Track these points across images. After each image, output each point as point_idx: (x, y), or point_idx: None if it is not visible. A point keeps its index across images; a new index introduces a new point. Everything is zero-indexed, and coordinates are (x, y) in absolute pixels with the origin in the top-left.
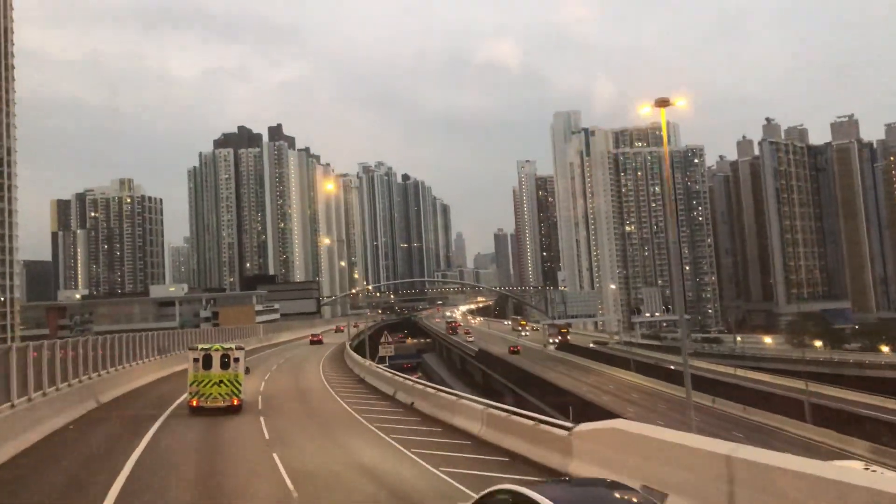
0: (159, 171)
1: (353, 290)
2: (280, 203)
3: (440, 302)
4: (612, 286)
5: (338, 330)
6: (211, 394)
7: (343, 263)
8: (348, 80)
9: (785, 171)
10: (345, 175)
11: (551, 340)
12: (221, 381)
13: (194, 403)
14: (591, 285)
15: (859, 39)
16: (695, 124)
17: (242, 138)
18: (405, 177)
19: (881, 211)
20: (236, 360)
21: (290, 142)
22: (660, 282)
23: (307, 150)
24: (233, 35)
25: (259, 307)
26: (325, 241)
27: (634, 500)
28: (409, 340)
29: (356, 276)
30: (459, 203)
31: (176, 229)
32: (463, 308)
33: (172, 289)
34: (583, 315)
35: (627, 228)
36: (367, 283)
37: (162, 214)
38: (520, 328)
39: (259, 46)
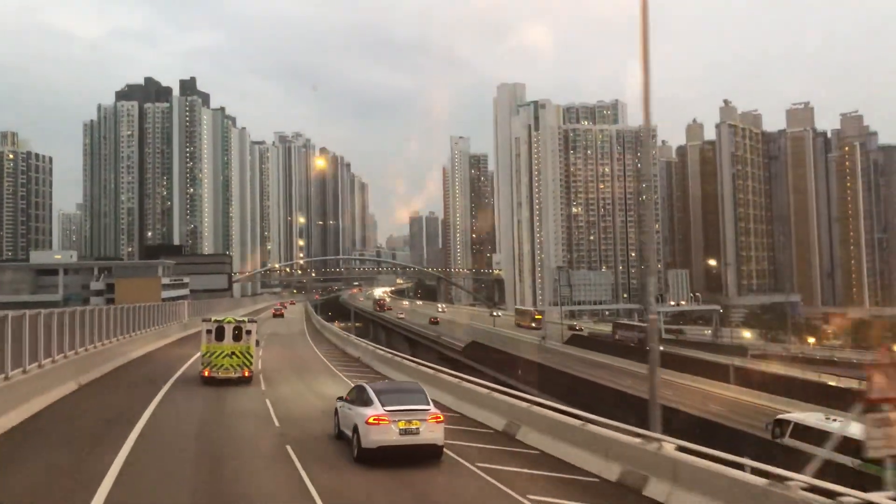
0: (51, 132)
1: (275, 266)
2: (190, 166)
3: (357, 283)
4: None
5: (276, 312)
6: (223, 364)
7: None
8: (264, 51)
9: (742, 156)
10: (261, 142)
11: (520, 325)
12: (233, 353)
13: (206, 374)
14: (531, 270)
15: (817, 28)
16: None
17: (149, 91)
18: (323, 150)
19: (832, 203)
20: (248, 332)
21: (205, 98)
22: (604, 268)
23: (223, 109)
24: None
25: (166, 280)
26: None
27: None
28: (336, 323)
29: (269, 249)
30: (372, 185)
31: (69, 196)
32: (380, 290)
33: (59, 256)
34: (590, 302)
35: (574, 210)
36: (280, 261)
37: (51, 175)
38: (534, 324)
39: (168, 9)
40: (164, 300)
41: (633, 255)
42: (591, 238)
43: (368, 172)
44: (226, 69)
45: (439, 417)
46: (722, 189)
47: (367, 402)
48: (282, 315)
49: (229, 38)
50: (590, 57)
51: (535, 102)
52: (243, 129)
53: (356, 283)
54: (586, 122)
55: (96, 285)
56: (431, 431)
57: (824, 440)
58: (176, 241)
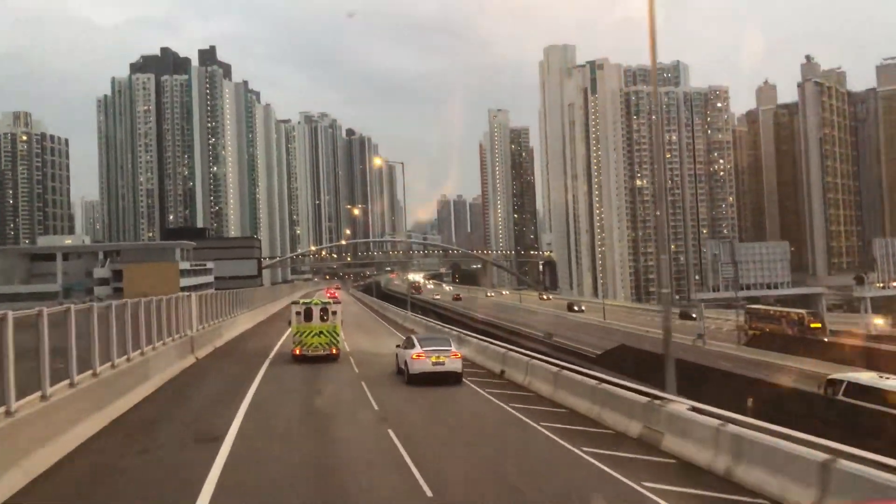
0: (69, 117)
1: (312, 249)
2: (212, 143)
3: (389, 268)
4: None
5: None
6: (312, 343)
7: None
8: (285, 36)
9: (829, 118)
10: (286, 121)
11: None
12: (321, 332)
13: (297, 352)
14: (589, 250)
15: None
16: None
17: (166, 62)
18: (350, 132)
19: None
20: (334, 313)
21: (226, 70)
22: (673, 247)
23: (245, 83)
24: None
25: (185, 265)
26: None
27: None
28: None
29: (298, 233)
30: (399, 169)
31: (89, 182)
32: (418, 276)
33: (69, 240)
34: (759, 285)
35: (639, 183)
36: (309, 245)
37: (68, 158)
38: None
39: None
40: (182, 289)
41: (705, 231)
42: (658, 214)
43: (395, 157)
44: (248, 54)
45: (458, 355)
46: (807, 157)
47: (412, 346)
48: (338, 300)
49: (250, 24)
50: (629, 20)
51: (592, 63)
52: (268, 105)
53: (388, 269)
54: (644, 86)
55: (101, 272)
56: (453, 363)
57: (878, 397)
58: (200, 225)
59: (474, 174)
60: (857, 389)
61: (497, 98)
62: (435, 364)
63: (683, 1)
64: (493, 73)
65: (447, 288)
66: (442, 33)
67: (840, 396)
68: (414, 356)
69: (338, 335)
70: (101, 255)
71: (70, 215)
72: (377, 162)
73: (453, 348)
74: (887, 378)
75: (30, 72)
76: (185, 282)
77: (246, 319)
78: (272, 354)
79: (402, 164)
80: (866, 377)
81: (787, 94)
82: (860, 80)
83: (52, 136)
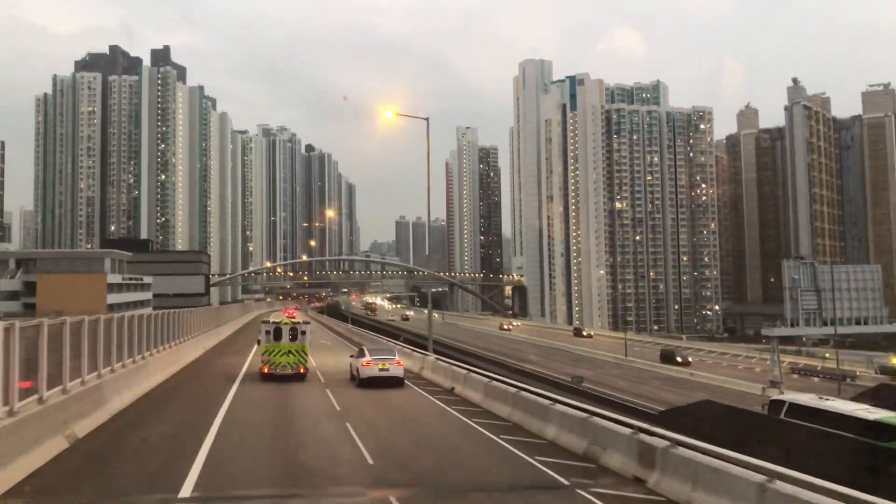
0: (8, 120)
1: (268, 265)
2: (161, 149)
3: (346, 290)
4: (601, 272)
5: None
6: (280, 362)
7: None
8: (245, 52)
9: (816, 144)
10: (244, 132)
11: None
12: (290, 352)
13: (265, 371)
14: (564, 275)
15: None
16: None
17: (114, 61)
18: (309, 147)
19: None
20: (303, 332)
21: (181, 72)
22: (652, 274)
23: (201, 88)
24: None
25: (116, 278)
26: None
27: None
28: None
29: (251, 250)
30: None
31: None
32: (374, 298)
33: None
34: (850, 319)
35: (618, 205)
36: (262, 264)
37: (3, 162)
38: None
39: (145, 9)
40: (111, 308)
41: (685, 259)
42: (637, 238)
43: (355, 177)
44: (206, 69)
45: (401, 363)
46: (794, 183)
47: (362, 355)
48: (307, 321)
49: (209, 39)
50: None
51: (573, 77)
52: (224, 113)
53: (345, 290)
54: (624, 105)
55: (9, 284)
56: (396, 370)
57: (818, 418)
58: (144, 237)
59: (437, 196)
60: (797, 410)
61: (462, 121)
62: (381, 370)
63: (661, 28)
64: (456, 98)
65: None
66: (404, 56)
67: (783, 416)
68: (364, 363)
69: (306, 355)
70: (11, 264)
71: (3, 224)
72: (388, 116)
73: (397, 357)
74: (826, 399)
75: None
76: (114, 298)
77: (165, 363)
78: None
79: (354, 185)
80: (807, 398)
81: (768, 119)
82: (843, 107)
83: None
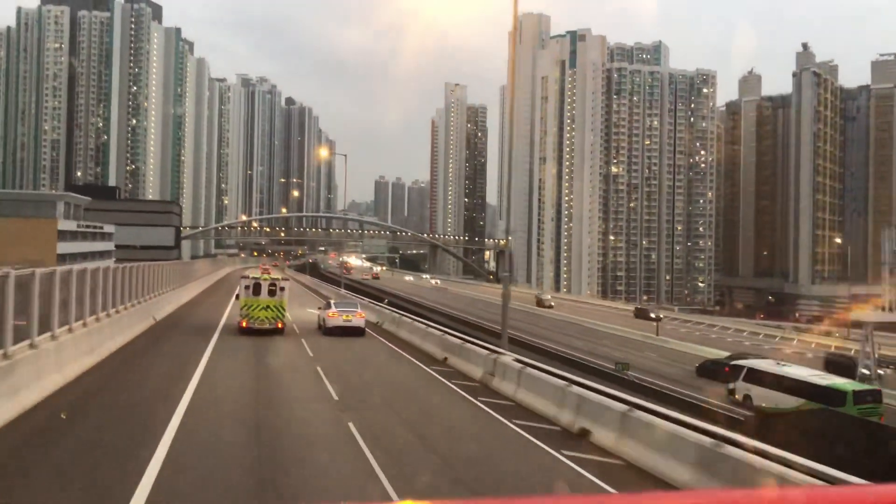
0: None
1: (244, 219)
2: (133, 91)
3: (323, 248)
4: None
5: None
6: (259, 317)
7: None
8: (227, 3)
9: (822, 114)
10: (222, 80)
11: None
12: (268, 307)
13: (244, 325)
14: (553, 241)
15: None
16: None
17: None
18: (290, 101)
19: None
20: (282, 288)
21: (156, 11)
22: (644, 242)
23: (178, 30)
24: None
25: (70, 225)
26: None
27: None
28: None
29: (226, 203)
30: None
31: None
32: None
33: None
34: None
35: (614, 170)
36: (237, 218)
37: None
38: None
39: None
40: (61, 258)
41: (679, 228)
42: (632, 205)
43: (336, 135)
44: (185, 18)
45: (362, 315)
46: (798, 154)
47: (329, 307)
48: (286, 277)
49: None
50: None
51: (573, 33)
52: (202, 58)
53: (322, 248)
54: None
55: None
56: (358, 321)
57: (775, 382)
58: (113, 184)
59: (418, 157)
60: (756, 374)
61: (450, 80)
62: (345, 321)
63: None
64: (444, 58)
65: (408, 278)
66: (394, 12)
67: (740, 381)
68: (329, 314)
69: (284, 310)
70: None
71: None
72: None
73: (359, 310)
74: (784, 365)
75: None
76: (66, 247)
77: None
78: None
79: (346, 155)
80: (765, 363)
81: (771, 88)
82: (850, 77)
83: None
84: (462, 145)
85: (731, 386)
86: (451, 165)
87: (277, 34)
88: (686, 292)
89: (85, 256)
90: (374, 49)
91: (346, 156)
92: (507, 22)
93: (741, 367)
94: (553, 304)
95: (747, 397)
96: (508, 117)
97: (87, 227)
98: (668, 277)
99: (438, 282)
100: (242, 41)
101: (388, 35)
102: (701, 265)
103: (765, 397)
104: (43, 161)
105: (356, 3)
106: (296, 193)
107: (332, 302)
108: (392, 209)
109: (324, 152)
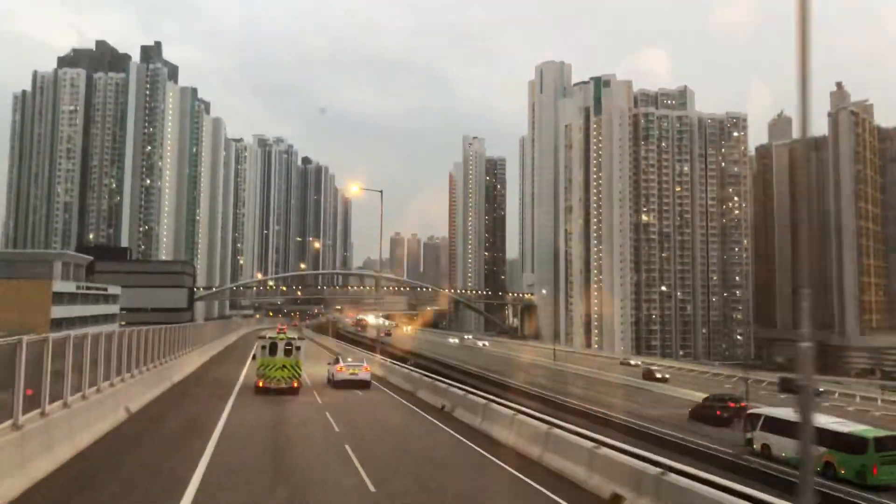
0: None
1: (259, 277)
2: (148, 151)
3: (339, 307)
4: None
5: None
6: (275, 377)
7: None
8: (243, 68)
9: (861, 155)
10: (238, 140)
11: None
12: (284, 366)
13: (260, 384)
14: (583, 295)
15: None
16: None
17: (101, 58)
18: (306, 160)
19: None
20: (298, 348)
21: (172, 71)
22: (679, 294)
23: (194, 90)
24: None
25: (68, 286)
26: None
27: None
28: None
29: (241, 263)
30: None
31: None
32: (369, 316)
33: None
34: None
35: (645, 218)
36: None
37: None
38: None
39: (144, 23)
40: (55, 322)
41: (715, 278)
42: (665, 255)
43: (352, 192)
44: (204, 83)
45: (368, 368)
46: (839, 196)
47: (337, 362)
48: (301, 337)
49: (207, 54)
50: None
51: (598, 79)
52: (218, 118)
53: (338, 307)
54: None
55: None
56: (364, 374)
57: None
58: (125, 245)
59: (434, 213)
60: (773, 422)
61: (468, 133)
62: (351, 374)
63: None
64: (460, 116)
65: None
66: (405, 74)
67: (758, 430)
68: (338, 369)
69: (300, 369)
70: None
71: None
72: (353, 190)
73: (365, 364)
74: None
75: None
76: (61, 311)
77: None
78: None
79: (381, 191)
80: (782, 411)
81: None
82: (883, 117)
83: None
84: (481, 198)
85: (748, 436)
86: (470, 219)
87: (292, 96)
88: (724, 346)
89: (85, 320)
90: (390, 108)
91: (381, 191)
92: (526, 74)
93: (758, 416)
94: (668, 375)
95: (766, 447)
96: (528, 176)
97: (89, 288)
98: (704, 331)
99: (487, 343)
100: (259, 103)
101: (404, 94)
102: (739, 317)
103: (785, 447)
104: (55, 224)
105: (370, 68)
106: (317, 245)
107: (340, 358)
108: (408, 266)
109: (354, 188)
